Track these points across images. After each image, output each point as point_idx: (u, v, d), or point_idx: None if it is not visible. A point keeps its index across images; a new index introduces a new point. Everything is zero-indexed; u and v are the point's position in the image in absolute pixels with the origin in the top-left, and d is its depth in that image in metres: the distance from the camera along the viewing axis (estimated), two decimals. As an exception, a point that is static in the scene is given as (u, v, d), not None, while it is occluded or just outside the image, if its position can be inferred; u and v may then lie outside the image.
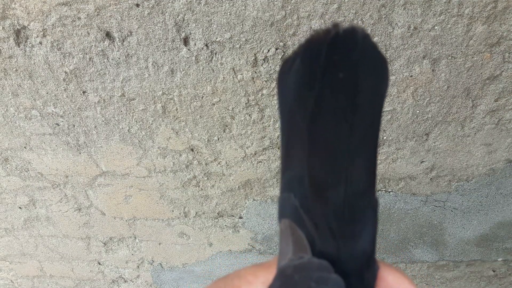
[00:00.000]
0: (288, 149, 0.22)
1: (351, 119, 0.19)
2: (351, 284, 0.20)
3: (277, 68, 0.58)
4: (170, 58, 0.58)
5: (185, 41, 0.56)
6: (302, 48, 0.20)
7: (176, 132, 0.68)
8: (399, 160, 0.68)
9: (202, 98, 0.62)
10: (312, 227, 0.21)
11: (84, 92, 0.63)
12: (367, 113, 0.20)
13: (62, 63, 0.60)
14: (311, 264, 0.20)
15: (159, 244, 0.94)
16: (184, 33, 0.55)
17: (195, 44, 0.56)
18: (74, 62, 0.59)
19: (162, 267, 1.01)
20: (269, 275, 0.22)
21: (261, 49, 0.56)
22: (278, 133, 0.66)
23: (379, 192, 0.75)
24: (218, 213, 0.83)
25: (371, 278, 0.21)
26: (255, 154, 0.70)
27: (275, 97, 0.61)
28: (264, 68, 0.58)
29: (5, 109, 0.68)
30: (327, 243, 0.21)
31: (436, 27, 0.51)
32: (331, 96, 0.19)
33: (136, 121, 0.67)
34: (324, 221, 0.20)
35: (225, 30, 0.54)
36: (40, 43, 0.57)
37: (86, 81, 0.62)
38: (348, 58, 0.19)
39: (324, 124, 0.20)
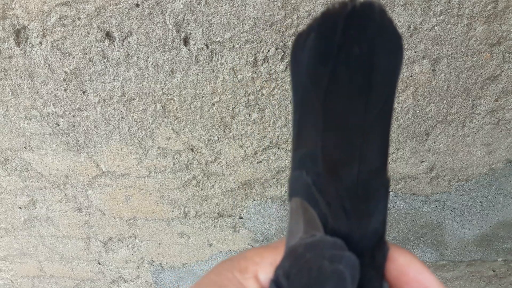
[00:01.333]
0: (301, 126, 0.21)
1: (366, 96, 0.19)
2: (363, 263, 0.19)
3: (277, 68, 0.58)
4: (170, 58, 0.58)
5: (185, 41, 0.56)
6: (317, 22, 0.20)
7: (176, 132, 0.68)
8: (399, 160, 0.68)
9: (202, 98, 0.63)
10: (325, 206, 0.20)
11: (84, 92, 0.63)
12: (382, 91, 0.19)
13: (62, 63, 0.60)
14: (324, 242, 0.20)
15: (159, 244, 0.94)
16: (184, 33, 0.55)
17: (195, 44, 0.56)
18: (74, 62, 0.59)
19: (162, 267, 1.01)
20: (277, 256, 0.21)
21: (261, 49, 0.56)
22: (278, 133, 0.66)
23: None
24: (218, 213, 0.83)
25: (381, 258, 0.21)
26: (255, 154, 0.70)
27: (275, 97, 0.61)
28: (264, 68, 0.58)
29: (5, 109, 0.68)
30: (340, 222, 0.20)
31: (436, 27, 0.51)
32: (346, 73, 0.19)
33: (136, 121, 0.67)
34: (337, 199, 0.20)
35: (225, 30, 0.54)
36: (40, 43, 0.57)
37: (86, 81, 0.62)
38: (365, 33, 0.18)
39: (338, 101, 0.19)
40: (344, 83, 0.19)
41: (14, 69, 0.61)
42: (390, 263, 0.21)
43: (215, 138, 0.68)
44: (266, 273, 0.21)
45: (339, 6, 0.19)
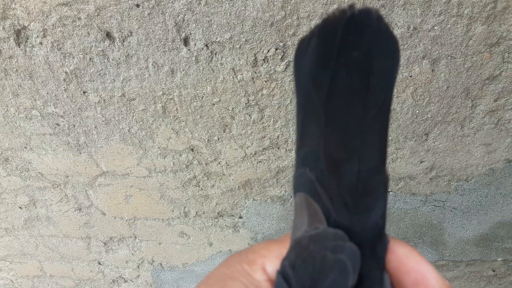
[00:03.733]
0: (304, 126, 0.23)
1: (364, 97, 0.20)
2: (364, 254, 0.20)
3: (277, 68, 0.58)
4: (170, 58, 0.58)
5: (185, 41, 0.56)
6: (318, 28, 0.21)
7: (176, 132, 0.68)
8: (399, 160, 0.68)
9: (202, 98, 0.63)
10: (328, 200, 0.21)
11: (84, 92, 0.63)
12: (379, 92, 0.20)
13: (62, 63, 0.60)
14: (327, 234, 0.21)
15: (159, 244, 0.94)
16: (184, 33, 0.55)
17: (195, 44, 0.56)
18: (75, 62, 0.59)
19: (162, 267, 1.01)
20: (283, 249, 0.23)
21: (261, 49, 0.56)
22: (278, 133, 0.66)
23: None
24: (218, 213, 0.83)
25: (382, 250, 0.22)
26: (255, 154, 0.70)
27: (275, 97, 0.61)
28: (264, 68, 0.58)
29: (5, 109, 0.68)
30: (342, 215, 0.21)
31: (435, 27, 0.51)
32: (346, 75, 0.20)
33: (136, 121, 0.67)
34: (339, 194, 0.21)
35: (225, 30, 0.54)
36: (41, 43, 0.57)
37: (86, 81, 0.62)
38: (363, 38, 0.20)
39: (339, 102, 0.21)
40: (344, 85, 0.20)
41: (15, 69, 0.61)
42: (390, 254, 0.22)
43: (215, 138, 0.68)
44: (273, 265, 0.22)
45: (339, 13, 0.20)
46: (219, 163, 0.73)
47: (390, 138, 0.65)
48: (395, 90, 0.59)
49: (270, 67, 0.58)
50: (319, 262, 0.20)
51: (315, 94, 0.21)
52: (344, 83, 0.20)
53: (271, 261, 0.22)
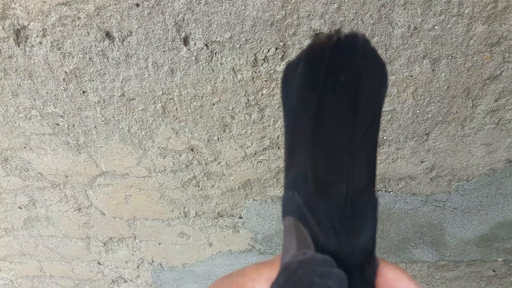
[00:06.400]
0: (292, 148, 0.23)
1: (352, 119, 0.20)
2: (353, 278, 0.20)
3: (277, 68, 0.58)
4: (170, 58, 0.58)
5: (185, 41, 0.56)
6: (305, 53, 0.21)
7: (176, 132, 0.68)
8: (399, 160, 0.68)
9: (202, 98, 0.62)
10: (315, 224, 0.21)
11: (84, 92, 0.63)
12: (367, 114, 0.20)
13: (62, 63, 0.59)
14: (315, 259, 0.21)
15: (159, 244, 0.94)
16: (184, 33, 0.55)
17: (195, 44, 0.56)
18: (74, 62, 0.59)
19: (162, 267, 1.01)
20: (273, 272, 0.22)
21: (261, 49, 0.56)
22: (278, 133, 0.66)
23: (379, 192, 0.75)
24: (218, 213, 0.83)
25: (371, 273, 0.22)
26: (255, 154, 0.70)
27: (275, 97, 0.61)
28: (264, 68, 0.58)
29: (5, 109, 0.68)
30: (330, 239, 0.21)
31: (436, 27, 0.51)
32: (333, 98, 0.20)
33: (136, 121, 0.67)
34: (327, 218, 0.21)
35: (225, 30, 0.54)
36: (40, 43, 0.57)
37: (86, 81, 0.62)
38: (349, 62, 0.20)
39: (326, 124, 0.21)
40: (332, 107, 0.20)
41: (14, 69, 0.61)
42: (380, 277, 0.22)
43: (215, 138, 0.68)
44: None
45: (325, 38, 0.20)
46: (219, 163, 0.73)
47: (390, 138, 0.65)
48: (399, 94, 0.59)
49: (270, 66, 0.58)
50: (307, 287, 0.20)
51: (302, 116, 0.21)
52: (332, 105, 0.20)
53: (261, 285, 0.22)
